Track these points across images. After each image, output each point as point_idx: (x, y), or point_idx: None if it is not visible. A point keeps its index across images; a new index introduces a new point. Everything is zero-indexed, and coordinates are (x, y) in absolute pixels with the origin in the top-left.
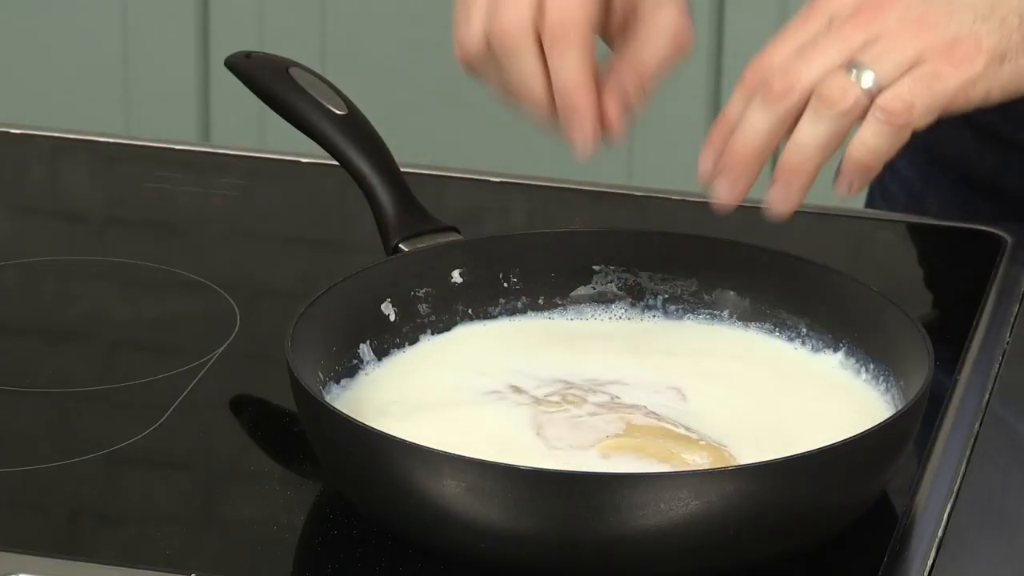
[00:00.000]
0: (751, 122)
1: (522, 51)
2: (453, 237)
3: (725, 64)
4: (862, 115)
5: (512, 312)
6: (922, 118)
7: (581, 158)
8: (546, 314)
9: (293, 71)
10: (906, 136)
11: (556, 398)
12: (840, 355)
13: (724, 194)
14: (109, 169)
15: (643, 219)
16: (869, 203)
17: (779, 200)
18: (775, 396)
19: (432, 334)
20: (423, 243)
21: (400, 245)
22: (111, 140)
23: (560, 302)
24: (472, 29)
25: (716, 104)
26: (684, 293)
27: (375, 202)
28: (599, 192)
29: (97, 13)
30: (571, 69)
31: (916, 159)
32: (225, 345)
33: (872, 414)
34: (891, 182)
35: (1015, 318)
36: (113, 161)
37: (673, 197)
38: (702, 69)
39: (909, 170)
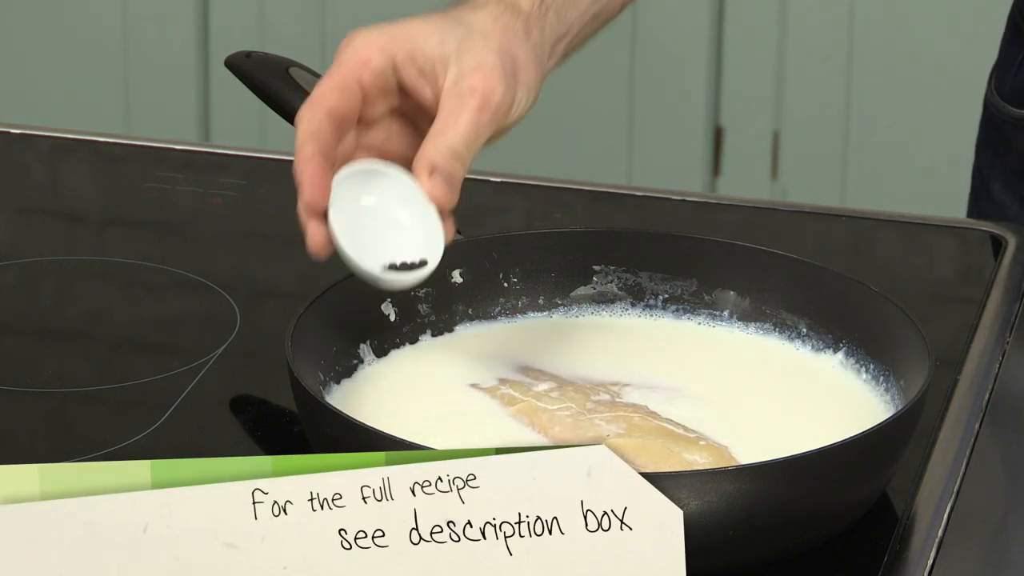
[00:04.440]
0: None
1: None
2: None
3: (725, 63)
4: None
5: (512, 312)
6: None
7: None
8: (546, 314)
9: (293, 71)
10: None
11: (556, 396)
12: (840, 355)
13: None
14: (109, 169)
15: (643, 219)
16: None
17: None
18: (775, 396)
19: (432, 334)
20: None
21: None
22: (111, 140)
23: (560, 302)
24: None
25: (716, 104)
26: (684, 293)
27: None
28: (599, 192)
29: (97, 13)
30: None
31: (1011, 182)
32: (225, 345)
33: (872, 414)
34: (987, 205)
35: (1015, 318)
36: (113, 161)
37: (673, 197)
38: (702, 69)
39: (1003, 194)
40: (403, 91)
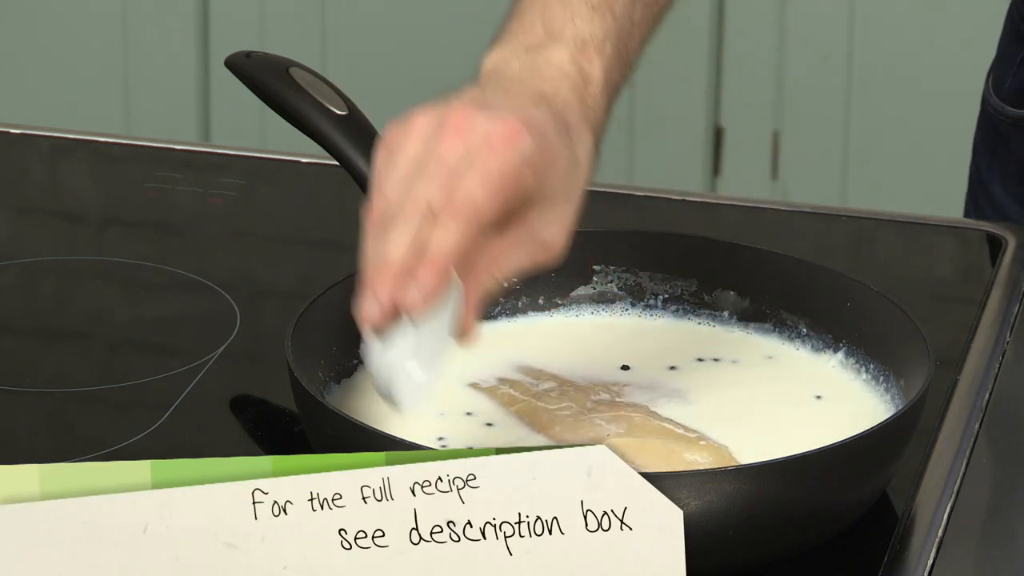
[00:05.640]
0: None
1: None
2: None
3: (725, 63)
4: None
5: (512, 312)
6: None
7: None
8: (546, 314)
9: (293, 71)
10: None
11: (556, 395)
12: (840, 355)
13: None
14: (109, 169)
15: (643, 219)
16: None
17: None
18: (775, 396)
19: None
20: None
21: None
22: (111, 140)
23: (560, 302)
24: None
25: (716, 104)
26: (684, 293)
27: None
28: (599, 192)
29: (97, 13)
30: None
31: (1010, 184)
32: (225, 345)
33: (872, 414)
34: (987, 207)
35: (1015, 318)
36: (113, 161)
37: (673, 197)
38: (702, 69)
39: (1003, 195)
40: None
